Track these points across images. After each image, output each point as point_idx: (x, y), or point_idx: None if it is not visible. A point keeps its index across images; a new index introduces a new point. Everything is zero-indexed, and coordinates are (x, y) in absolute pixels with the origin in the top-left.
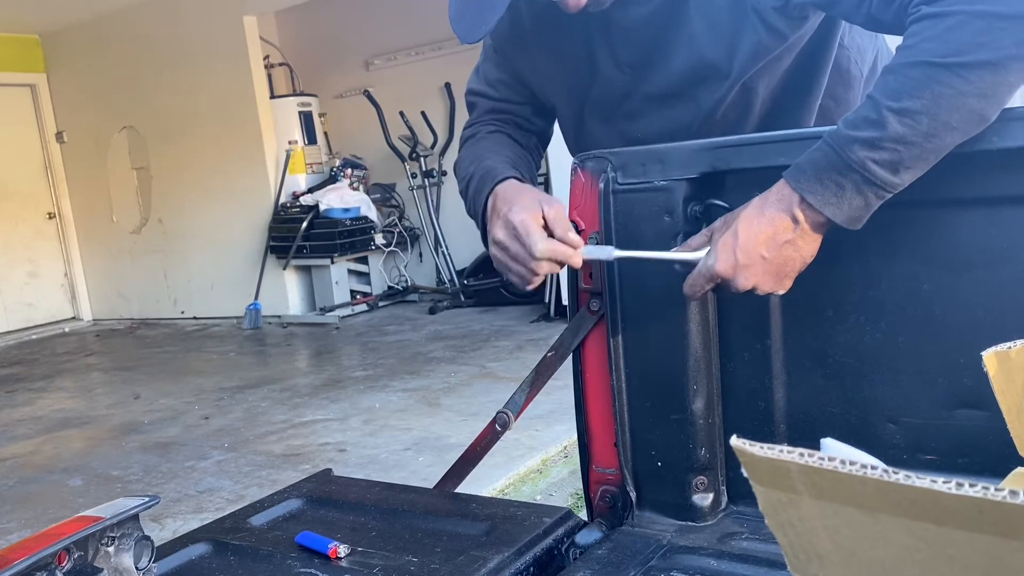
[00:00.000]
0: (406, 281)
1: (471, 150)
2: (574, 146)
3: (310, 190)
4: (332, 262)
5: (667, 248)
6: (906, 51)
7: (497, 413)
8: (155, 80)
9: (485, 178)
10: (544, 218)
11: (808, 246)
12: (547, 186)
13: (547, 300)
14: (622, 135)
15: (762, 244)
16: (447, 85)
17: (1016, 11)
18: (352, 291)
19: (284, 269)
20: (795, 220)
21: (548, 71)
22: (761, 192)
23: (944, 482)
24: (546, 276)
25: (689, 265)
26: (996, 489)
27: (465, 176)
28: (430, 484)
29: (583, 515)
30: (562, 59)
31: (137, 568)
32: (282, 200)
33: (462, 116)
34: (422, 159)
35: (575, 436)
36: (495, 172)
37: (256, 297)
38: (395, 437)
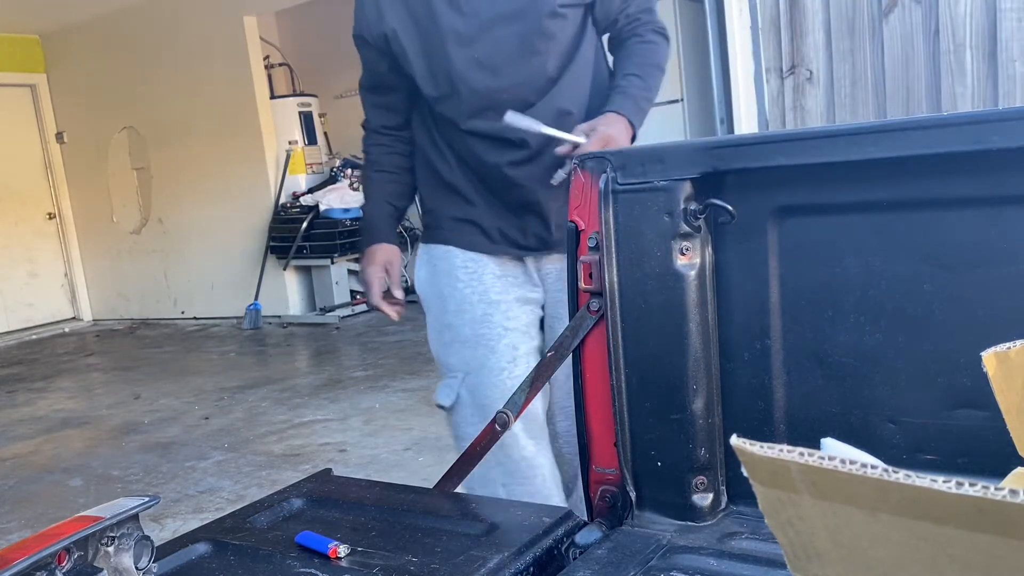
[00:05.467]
0: (406, 281)
1: (366, 177)
2: (430, 79)
3: (310, 190)
4: (332, 262)
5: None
6: (646, 55)
7: (497, 413)
8: (155, 80)
9: (365, 231)
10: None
11: (629, 136)
12: None
13: None
14: (471, 61)
15: (619, 136)
16: None
17: (666, 56)
18: (352, 291)
19: (284, 269)
20: (628, 128)
21: (406, 35)
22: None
23: (944, 481)
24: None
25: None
26: (996, 488)
27: (362, 206)
28: (430, 484)
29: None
30: (413, 20)
31: (137, 568)
32: (282, 200)
33: None
34: None
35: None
36: (373, 232)
37: (256, 297)
38: (395, 437)
